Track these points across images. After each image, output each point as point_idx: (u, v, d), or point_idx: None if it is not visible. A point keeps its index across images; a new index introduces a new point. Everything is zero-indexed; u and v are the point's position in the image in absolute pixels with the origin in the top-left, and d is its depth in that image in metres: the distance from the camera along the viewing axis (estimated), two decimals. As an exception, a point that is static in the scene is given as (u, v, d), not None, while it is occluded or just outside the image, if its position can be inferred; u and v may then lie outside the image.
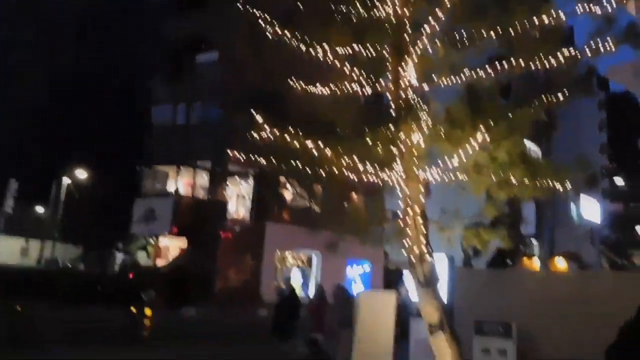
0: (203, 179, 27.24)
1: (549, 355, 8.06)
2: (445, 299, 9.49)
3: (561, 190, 5.80)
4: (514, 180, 5.68)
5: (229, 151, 6.24)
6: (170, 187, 27.46)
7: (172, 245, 25.63)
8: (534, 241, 23.95)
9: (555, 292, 8.38)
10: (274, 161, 5.88)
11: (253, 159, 5.96)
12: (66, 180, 30.59)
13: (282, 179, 20.57)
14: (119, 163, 28.23)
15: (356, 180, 5.82)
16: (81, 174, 30.58)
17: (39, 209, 33.55)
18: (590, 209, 21.02)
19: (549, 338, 8.14)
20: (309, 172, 5.82)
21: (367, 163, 5.70)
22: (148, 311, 11.97)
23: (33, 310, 13.57)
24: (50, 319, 13.95)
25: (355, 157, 5.53)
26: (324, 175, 5.78)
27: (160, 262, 24.96)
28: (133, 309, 12.03)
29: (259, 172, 21.66)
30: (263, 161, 5.90)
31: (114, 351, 10.91)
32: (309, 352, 10.87)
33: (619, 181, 18.78)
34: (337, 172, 5.70)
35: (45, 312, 14.74)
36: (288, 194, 26.14)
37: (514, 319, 8.29)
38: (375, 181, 5.91)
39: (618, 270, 14.78)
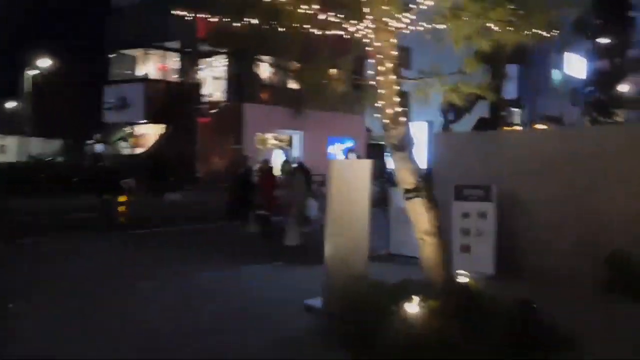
0: (174, 61, 25.99)
1: (531, 214, 7.95)
2: (425, 166, 9.30)
3: (548, 35, 5.22)
4: (496, 28, 5.08)
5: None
6: (140, 72, 26.26)
7: (149, 133, 25.03)
8: (516, 110, 23.62)
9: (537, 150, 8.09)
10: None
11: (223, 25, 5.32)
12: (33, 72, 29.17)
13: (258, 57, 19.62)
14: (83, 49, 26.67)
15: (321, 33, 5.17)
16: (46, 63, 29.01)
17: (10, 105, 32.33)
18: (575, 66, 20.41)
19: (531, 198, 7.98)
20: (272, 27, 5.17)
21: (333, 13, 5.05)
22: (122, 198, 11.79)
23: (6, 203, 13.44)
24: (25, 211, 13.78)
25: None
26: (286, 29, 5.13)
27: (139, 150, 24.51)
28: (107, 197, 11.88)
29: (233, 51, 20.52)
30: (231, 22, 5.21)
31: (86, 237, 10.93)
32: (260, 228, 11.05)
33: (604, 41, 18.14)
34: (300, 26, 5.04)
35: (20, 204, 14.56)
36: (265, 74, 25.18)
37: (495, 181, 8.08)
38: (343, 34, 5.28)
39: (600, 125, 14.57)
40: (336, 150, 26.63)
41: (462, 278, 6.32)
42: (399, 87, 5.30)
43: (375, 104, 5.42)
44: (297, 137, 26.28)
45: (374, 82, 5.43)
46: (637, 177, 7.11)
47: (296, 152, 25.64)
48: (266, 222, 10.99)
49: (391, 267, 8.12)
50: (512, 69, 17.88)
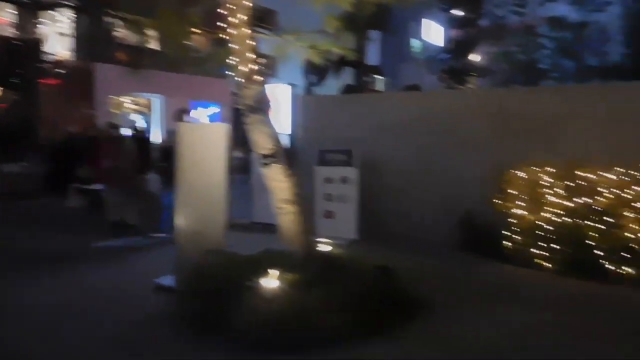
0: (9, 14, 22.83)
1: (392, 178, 8.00)
2: (289, 131, 9.00)
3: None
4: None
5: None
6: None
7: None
8: (380, 77, 24.23)
9: (397, 114, 8.12)
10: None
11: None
12: None
13: (107, 11, 17.78)
14: None
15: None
16: None
17: None
18: (433, 34, 21.31)
19: (392, 162, 8.02)
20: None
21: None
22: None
23: None
24: None
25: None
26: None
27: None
28: None
29: (78, 3, 18.41)
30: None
31: None
32: (84, 203, 9.83)
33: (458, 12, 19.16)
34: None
35: None
36: (120, 32, 23.08)
37: (359, 146, 8.00)
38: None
39: (453, 90, 15.31)
40: (200, 115, 25.46)
41: (324, 246, 6.13)
42: (253, 43, 4.81)
43: (229, 61, 4.90)
44: (157, 101, 24.67)
45: (227, 37, 4.89)
46: (486, 140, 7.39)
47: (156, 117, 24.08)
48: (93, 196, 9.47)
49: (254, 236, 7.77)
50: (374, 36, 18.22)
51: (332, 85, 17.95)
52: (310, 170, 8.08)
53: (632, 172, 5.94)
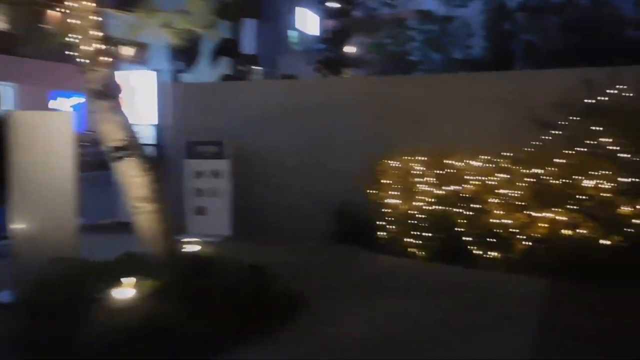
0: None
1: (268, 170, 7.67)
2: (154, 121, 8.30)
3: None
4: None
5: None
6: None
7: None
8: (257, 68, 23.80)
9: (273, 104, 7.80)
10: None
11: None
12: None
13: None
14: None
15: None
16: None
17: None
18: (308, 23, 21.26)
19: (268, 153, 7.69)
20: None
21: None
22: None
23: None
24: None
25: None
26: None
27: None
28: None
29: None
30: None
31: None
32: None
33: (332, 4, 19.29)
34: None
35: None
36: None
37: (232, 137, 7.56)
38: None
39: (328, 78, 15.34)
40: (62, 105, 23.34)
41: (191, 246, 5.66)
42: (98, 18, 4.20)
43: (69, 38, 4.24)
44: (8, 90, 22.18)
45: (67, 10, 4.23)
46: (361, 130, 7.32)
47: (9, 108, 21.65)
48: None
49: (117, 238, 7.03)
50: (250, 24, 17.72)
51: (208, 75, 17.22)
52: (179, 164, 7.51)
53: (496, 160, 6.14)
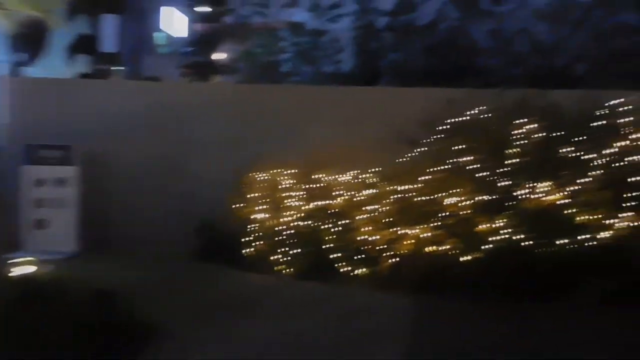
0: None
1: (123, 179, 6.97)
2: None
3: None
4: None
5: None
6: None
7: None
8: (120, 68, 22.23)
9: (129, 106, 7.10)
10: None
11: None
12: None
13: None
14: None
15: None
16: None
17: None
18: (175, 24, 20.29)
19: (123, 160, 6.98)
20: None
21: None
22: None
23: None
24: None
25: None
26: None
27: None
28: None
29: None
30: None
31: None
32: None
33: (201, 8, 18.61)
34: None
35: None
36: None
37: (85, 140, 6.76)
38: None
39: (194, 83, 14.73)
40: None
41: (24, 267, 4.87)
42: None
43: None
44: None
45: None
46: (227, 139, 6.93)
47: None
48: None
49: None
50: (113, 22, 16.44)
51: (63, 72, 15.65)
52: (16, 171, 6.56)
53: (364, 175, 6.11)
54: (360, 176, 6.15)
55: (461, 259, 5.34)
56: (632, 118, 5.63)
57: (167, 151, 7.02)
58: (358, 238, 5.74)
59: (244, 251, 6.12)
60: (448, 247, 5.43)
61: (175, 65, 17.50)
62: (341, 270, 5.73)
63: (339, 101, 7.05)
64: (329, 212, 5.95)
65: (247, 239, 6.14)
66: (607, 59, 10.21)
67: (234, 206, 6.22)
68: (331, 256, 5.78)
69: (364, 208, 5.88)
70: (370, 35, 12.64)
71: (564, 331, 4.43)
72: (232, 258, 6.12)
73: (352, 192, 6.02)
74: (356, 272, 5.69)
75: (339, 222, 5.86)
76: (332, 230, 5.86)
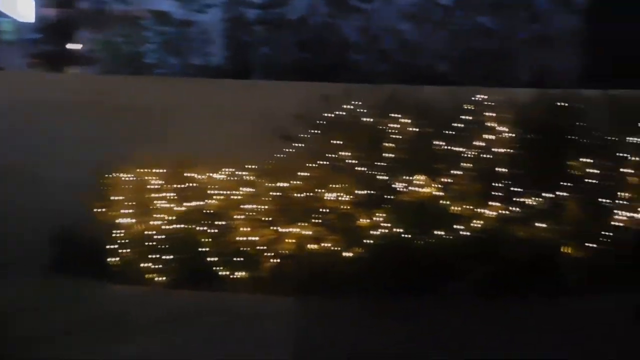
0: None
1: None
2: None
3: None
4: None
5: None
6: None
7: None
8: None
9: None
10: None
11: None
12: None
13: None
14: None
15: None
16: None
17: None
18: (20, 7, 18.17)
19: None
20: None
21: None
22: None
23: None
24: None
25: None
26: None
27: None
28: None
29: None
30: None
31: None
32: None
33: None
34: None
35: None
36: None
37: None
38: None
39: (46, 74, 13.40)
40: None
41: None
42: None
43: None
44: None
45: None
46: (87, 137, 6.24)
47: None
48: None
49: None
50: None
51: None
52: None
53: (240, 173, 5.81)
54: (236, 174, 5.83)
55: (344, 255, 5.25)
56: (495, 113, 5.92)
57: (15, 150, 6.15)
58: (236, 239, 5.43)
59: (109, 261, 5.51)
60: (330, 244, 5.32)
61: (23, 55, 15.69)
62: (219, 274, 5.37)
63: (211, 95, 6.68)
64: (203, 213, 5.56)
65: (112, 246, 5.53)
66: (467, 58, 10.88)
67: (96, 211, 5.58)
68: (208, 260, 5.40)
69: (241, 207, 5.57)
70: (240, 28, 12.31)
71: (443, 323, 4.50)
72: (95, 269, 5.46)
73: (228, 191, 5.68)
74: (236, 275, 5.37)
75: (215, 224, 5.50)
76: (208, 232, 5.48)
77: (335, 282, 5.04)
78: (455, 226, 5.27)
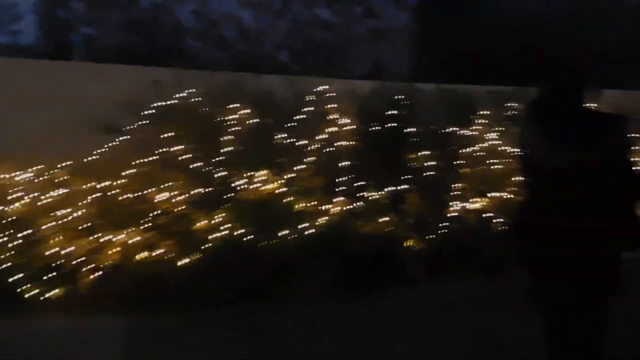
0: None
1: None
2: None
3: None
4: None
5: None
6: None
7: None
8: None
9: None
10: None
11: None
12: None
13: None
14: None
15: None
16: None
17: None
18: None
19: None
20: None
21: None
22: None
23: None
24: None
25: None
26: None
27: None
28: None
29: None
30: None
31: None
32: None
33: None
34: None
35: None
36: None
37: None
38: None
39: None
40: None
41: None
42: None
43: None
44: None
45: None
46: None
47: None
48: None
49: None
50: None
51: None
52: None
53: (51, 171, 4.91)
54: (46, 172, 4.92)
55: (179, 263, 4.67)
56: (337, 105, 5.74)
57: None
58: (47, 252, 4.55)
59: None
60: (162, 251, 4.70)
61: None
62: (26, 296, 4.45)
63: (15, 77, 5.57)
64: (2, 221, 4.58)
65: None
66: (306, 49, 10.75)
67: None
68: (10, 280, 4.45)
69: (53, 213, 4.69)
70: (56, 4, 10.85)
71: (289, 328, 4.19)
72: None
73: (36, 194, 4.76)
74: (47, 295, 4.49)
75: (19, 234, 4.56)
76: (9, 245, 4.53)
77: (169, 294, 4.44)
78: (301, 224, 4.97)
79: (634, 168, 2.65)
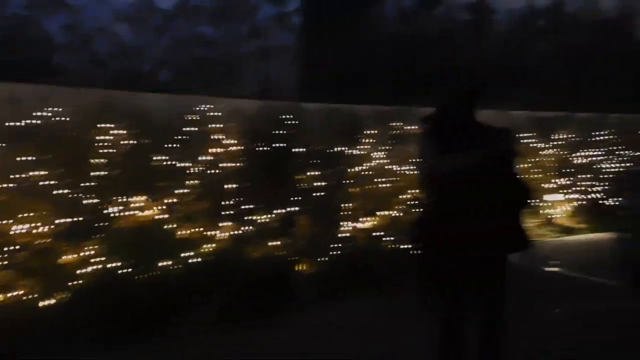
0: None
1: None
2: None
3: None
4: None
5: None
6: None
7: None
8: None
9: None
10: None
11: None
12: None
13: None
14: None
15: None
16: None
17: None
18: None
19: None
20: None
21: None
22: None
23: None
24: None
25: None
26: None
27: None
28: None
29: None
30: None
31: None
32: None
33: None
34: None
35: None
36: None
37: None
38: None
39: None
40: None
41: None
42: None
43: None
44: None
45: None
46: None
47: None
48: None
49: None
50: None
51: None
52: None
53: None
54: None
55: (41, 304, 4.08)
56: (221, 124, 5.45)
57: None
58: None
59: None
60: (21, 292, 4.08)
61: None
62: None
63: None
64: None
65: None
66: (189, 67, 10.34)
67: None
68: None
69: None
70: None
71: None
72: None
73: None
74: None
75: None
76: None
77: (30, 340, 3.84)
78: (184, 253, 4.58)
79: (518, 176, 2.74)
